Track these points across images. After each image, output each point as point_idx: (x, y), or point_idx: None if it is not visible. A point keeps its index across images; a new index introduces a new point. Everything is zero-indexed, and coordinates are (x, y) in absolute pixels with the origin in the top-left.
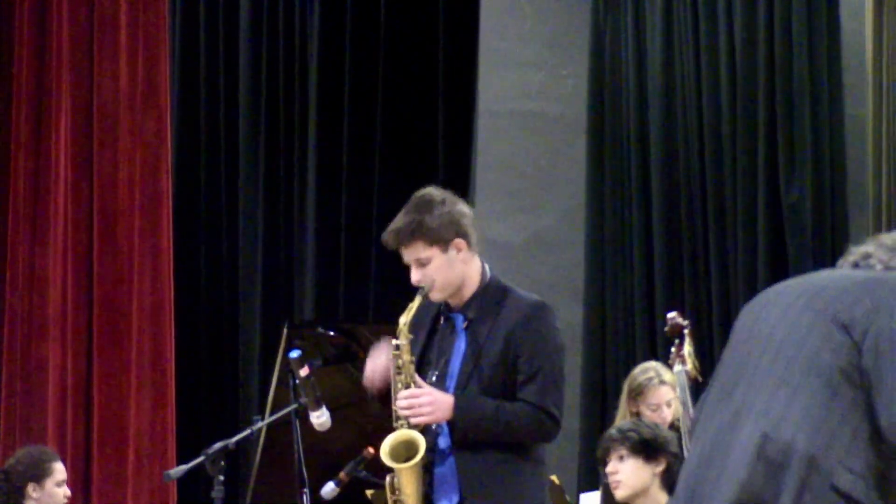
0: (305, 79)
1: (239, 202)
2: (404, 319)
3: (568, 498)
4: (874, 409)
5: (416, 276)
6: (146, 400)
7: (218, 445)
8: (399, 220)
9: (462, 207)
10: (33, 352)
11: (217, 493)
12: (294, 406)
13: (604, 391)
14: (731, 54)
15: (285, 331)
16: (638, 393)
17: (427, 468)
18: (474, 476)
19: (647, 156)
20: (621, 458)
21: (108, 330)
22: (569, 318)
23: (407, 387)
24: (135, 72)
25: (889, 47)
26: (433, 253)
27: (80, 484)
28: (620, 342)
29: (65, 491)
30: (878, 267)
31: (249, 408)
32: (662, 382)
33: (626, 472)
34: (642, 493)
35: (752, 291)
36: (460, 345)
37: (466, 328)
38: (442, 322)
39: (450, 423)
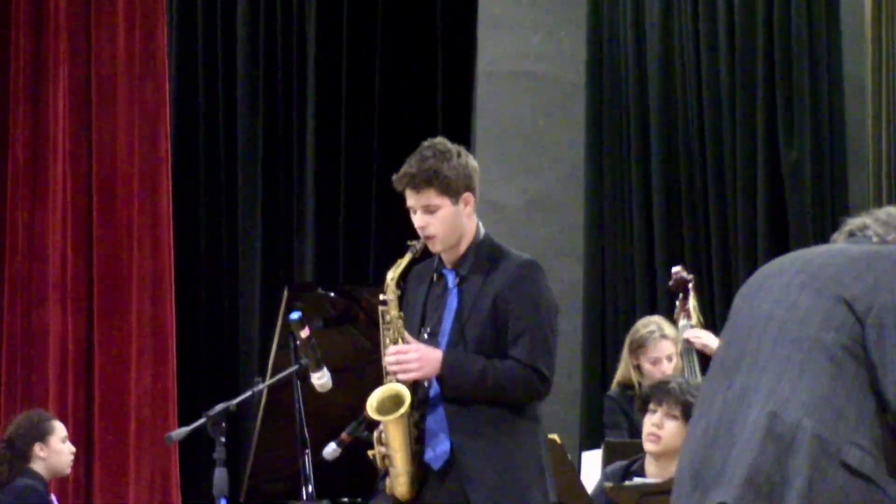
0: (303, 42)
1: (238, 166)
2: (392, 275)
3: (570, 457)
4: (879, 384)
5: (420, 221)
6: (147, 363)
7: (219, 407)
8: (414, 164)
9: (474, 162)
10: (33, 318)
11: (219, 454)
12: (295, 368)
13: (604, 351)
14: (729, 14)
15: (285, 293)
16: (639, 346)
17: (417, 424)
18: (465, 428)
19: (645, 116)
20: (671, 416)
21: (108, 295)
22: (569, 279)
23: (395, 342)
24: (133, 38)
25: (888, 6)
26: (444, 202)
27: (81, 448)
28: (620, 303)
29: (70, 447)
30: (875, 240)
31: (250, 370)
32: (664, 336)
33: (670, 431)
34: (670, 454)
35: (751, 252)
36: (452, 302)
37: (458, 285)
38: (435, 278)
39: (439, 379)
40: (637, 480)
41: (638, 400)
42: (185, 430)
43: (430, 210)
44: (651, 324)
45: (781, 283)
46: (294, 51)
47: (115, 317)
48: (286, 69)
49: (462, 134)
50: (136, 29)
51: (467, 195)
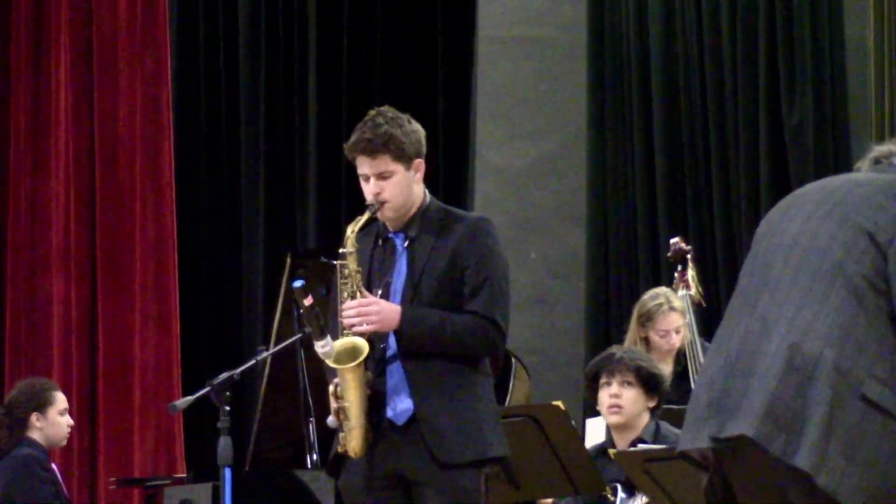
0: (304, 6)
1: (240, 132)
2: (352, 228)
3: (573, 423)
4: None
5: (374, 188)
6: (151, 332)
7: (223, 376)
8: (368, 131)
9: (421, 129)
10: (37, 285)
11: (223, 423)
12: (298, 336)
13: (607, 316)
14: None
15: (289, 261)
16: (647, 318)
17: (371, 383)
18: (425, 385)
19: (647, 79)
20: (627, 383)
21: (111, 262)
22: (571, 244)
23: (353, 297)
24: (133, 3)
25: None
26: (397, 168)
27: (86, 416)
28: (623, 267)
29: (68, 420)
30: None
31: (254, 338)
32: (672, 309)
33: (629, 399)
34: (632, 422)
35: (754, 216)
36: (402, 263)
37: (407, 247)
38: (381, 243)
39: (397, 333)
40: (641, 446)
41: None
42: (188, 398)
43: (383, 177)
44: (659, 296)
45: (804, 213)
46: (295, 12)
47: (119, 284)
48: (287, 32)
49: (463, 98)
50: None
51: (418, 161)
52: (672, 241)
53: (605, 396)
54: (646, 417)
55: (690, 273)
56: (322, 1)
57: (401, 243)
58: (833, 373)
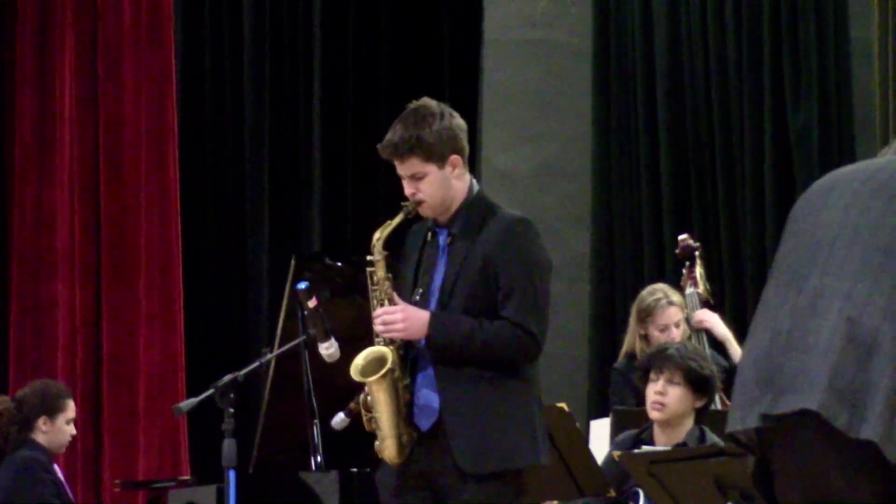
0: (310, 8)
1: (245, 135)
2: (378, 234)
3: (578, 425)
4: None
5: (409, 189)
6: (155, 334)
7: (227, 378)
8: (396, 133)
9: (459, 121)
10: (42, 290)
11: (227, 425)
12: (303, 338)
13: (613, 319)
14: None
15: (293, 262)
16: (647, 314)
17: (408, 387)
18: (453, 389)
19: (652, 82)
20: (673, 382)
21: (116, 266)
22: (576, 247)
23: (383, 304)
24: (138, 6)
25: None
26: (429, 169)
27: (90, 419)
28: (628, 270)
29: (72, 429)
30: None
31: (258, 340)
32: (671, 303)
33: (674, 397)
34: (676, 421)
35: (759, 217)
36: (442, 263)
37: (448, 245)
38: (429, 238)
39: (427, 339)
40: (646, 448)
41: (637, 370)
42: (193, 400)
43: (416, 178)
44: (657, 291)
45: (848, 193)
46: (300, 17)
47: (124, 288)
48: (292, 35)
49: (469, 101)
50: None
51: (454, 157)
52: (680, 237)
53: (650, 392)
54: (691, 419)
55: (698, 270)
56: (327, 5)
57: (444, 240)
58: (893, 346)
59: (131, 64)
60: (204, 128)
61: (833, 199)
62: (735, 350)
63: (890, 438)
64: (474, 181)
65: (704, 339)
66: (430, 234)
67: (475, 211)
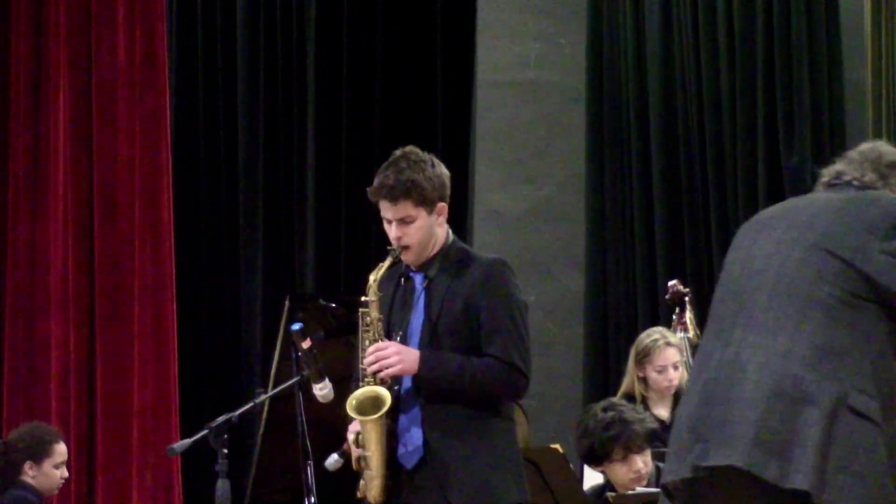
0: (303, 51)
1: (239, 176)
2: (374, 277)
3: (572, 467)
4: (867, 274)
5: (396, 232)
6: (149, 374)
7: (221, 419)
8: (391, 176)
9: (446, 170)
10: (35, 328)
11: (221, 466)
12: (297, 379)
13: (606, 360)
14: (728, 19)
15: (287, 304)
16: (644, 356)
17: (390, 422)
18: (440, 426)
19: (646, 124)
20: (643, 452)
21: (109, 305)
22: (570, 288)
23: (374, 343)
24: (133, 46)
25: (887, 9)
26: (419, 214)
27: (84, 459)
28: (622, 311)
29: (62, 472)
30: (855, 183)
31: (252, 381)
32: (668, 344)
33: (646, 463)
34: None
35: None
36: (420, 305)
37: (426, 287)
38: (403, 282)
39: (416, 377)
40: (639, 489)
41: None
42: (187, 441)
43: (405, 222)
44: (654, 333)
45: (773, 239)
46: (294, 60)
47: (117, 327)
48: (286, 79)
49: (462, 142)
50: (136, 36)
51: (441, 205)
52: (670, 283)
53: (626, 472)
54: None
55: (688, 315)
56: (321, 45)
57: (420, 283)
58: (818, 393)
59: (125, 103)
60: (198, 168)
61: (756, 247)
62: None
63: (824, 485)
64: (450, 230)
65: None
66: (403, 279)
67: (452, 255)
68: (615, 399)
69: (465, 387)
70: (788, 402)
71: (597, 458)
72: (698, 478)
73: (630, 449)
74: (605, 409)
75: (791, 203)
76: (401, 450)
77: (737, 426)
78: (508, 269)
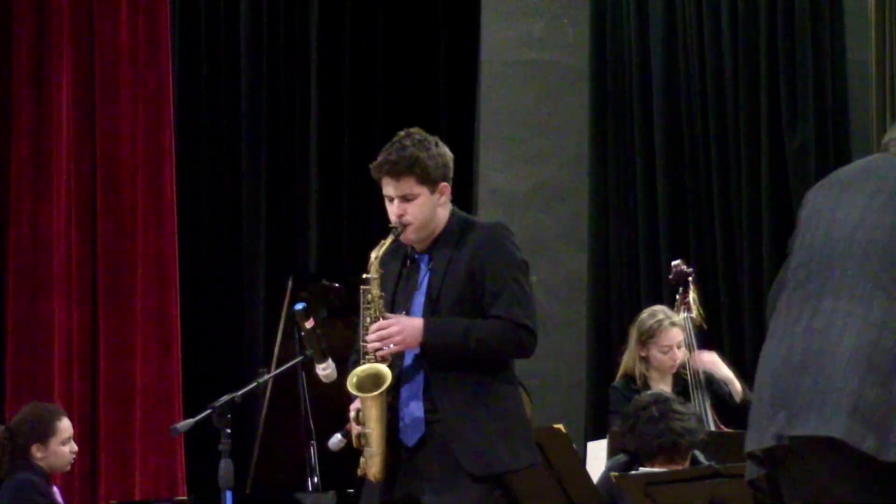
0: (306, 31)
1: (241, 155)
2: (375, 254)
3: (575, 446)
4: None
5: (398, 210)
6: (152, 354)
7: (224, 398)
8: (394, 152)
9: (449, 152)
10: (38, 308)
11: (224, 446)
12: (300, 358)
13: (609, 340)
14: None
15: (290, 283)
16: (649, 336)
17: (394, 394)
18: (447, 393)
19: (649, 103)
20: (686, 459)
21: (112, 285)
22: (573, 267)
23: (375, 321)
24: (135, 25)
25: None
26: (422, 191)
27: (87, 440)
28: (625, 290)
29: (71, 447)
30: None
31: (255, 361)
32: (673, 324)
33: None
34: None
35: (756, 238)
36: (424, 284)
37: (431, 268)
38: (408, 264)
39: (422, 346)
40: (643, 470)
41: (634, 391)
42: (190, 421)
43: (407, 199)
44: (658, 313)
45: (860, 203)
46: (296, 40)
47: (120, 307)
48: (289, 58)
49: (466, 122)
50: (139, 15)
51: (443, 185)
52: (673, 263)
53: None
54: None
55: (692, 295)
56: (324, 28)
57: (425, 266)
58: None
59: (128, 83)
60: (200, 148)
61: (842, 213)
62: (737, 389)
63: None
64: (454, 209)
65: (707, 402)
66: (408, 260)
67: (452, 228)
68: (665, 393)
69: (472, 349)
70: (884, 373)
71: (637, 458)
72: (791, 447)
73: (674, 460)
74: (657, 417)
75: (869, 164)
76: (402, 427)
77: (832, 396)
78: (508, 231)
